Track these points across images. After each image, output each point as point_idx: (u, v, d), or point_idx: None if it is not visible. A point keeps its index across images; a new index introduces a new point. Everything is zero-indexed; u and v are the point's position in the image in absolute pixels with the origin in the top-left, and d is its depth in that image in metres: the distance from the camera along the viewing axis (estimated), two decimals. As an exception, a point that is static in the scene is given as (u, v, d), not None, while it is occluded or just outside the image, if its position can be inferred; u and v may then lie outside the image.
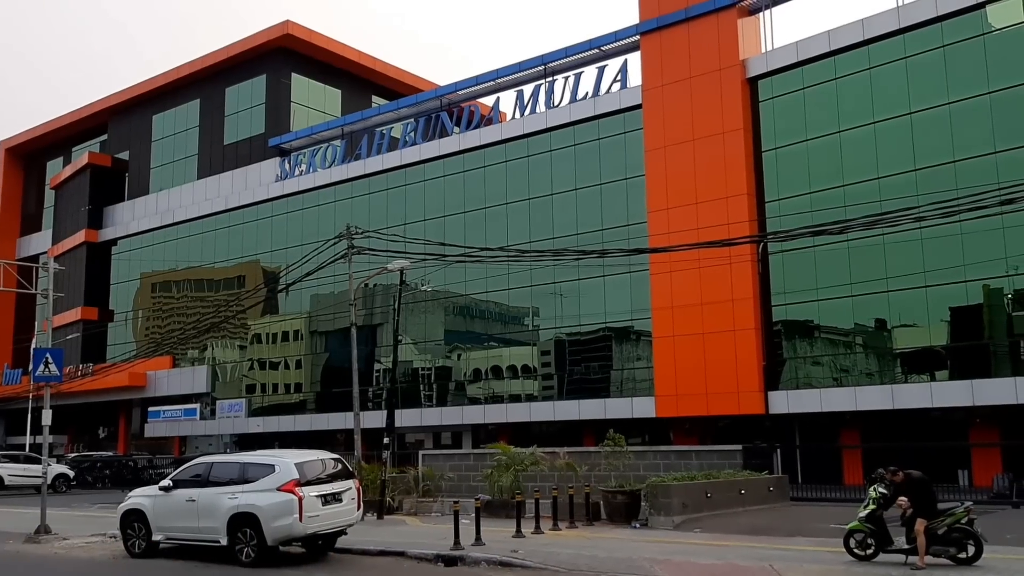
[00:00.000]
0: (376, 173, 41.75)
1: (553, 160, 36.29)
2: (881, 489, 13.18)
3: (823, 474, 26.62)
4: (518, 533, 16.53)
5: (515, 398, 36.47)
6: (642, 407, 32.21)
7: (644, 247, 30.15)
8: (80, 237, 53.59)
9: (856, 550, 13.10)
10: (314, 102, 48.78)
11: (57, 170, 59.49)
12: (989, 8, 27.05)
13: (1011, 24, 26.70)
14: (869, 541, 13.02)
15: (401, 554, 14.98)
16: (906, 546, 12.70)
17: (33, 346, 38.87)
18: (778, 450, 27.60)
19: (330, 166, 43.72)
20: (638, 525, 18.57)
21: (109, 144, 56.65)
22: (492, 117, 40.03)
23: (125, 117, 55.26)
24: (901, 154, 27.95)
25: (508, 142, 37.68)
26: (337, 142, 44.49)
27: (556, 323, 35.77)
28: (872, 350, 29.19)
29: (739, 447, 24.30)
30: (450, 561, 14.27)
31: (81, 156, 56.12)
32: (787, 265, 29.85)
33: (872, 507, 12.98)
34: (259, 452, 18.06)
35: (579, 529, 18.14)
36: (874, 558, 12.91)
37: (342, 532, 15.55)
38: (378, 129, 43.29)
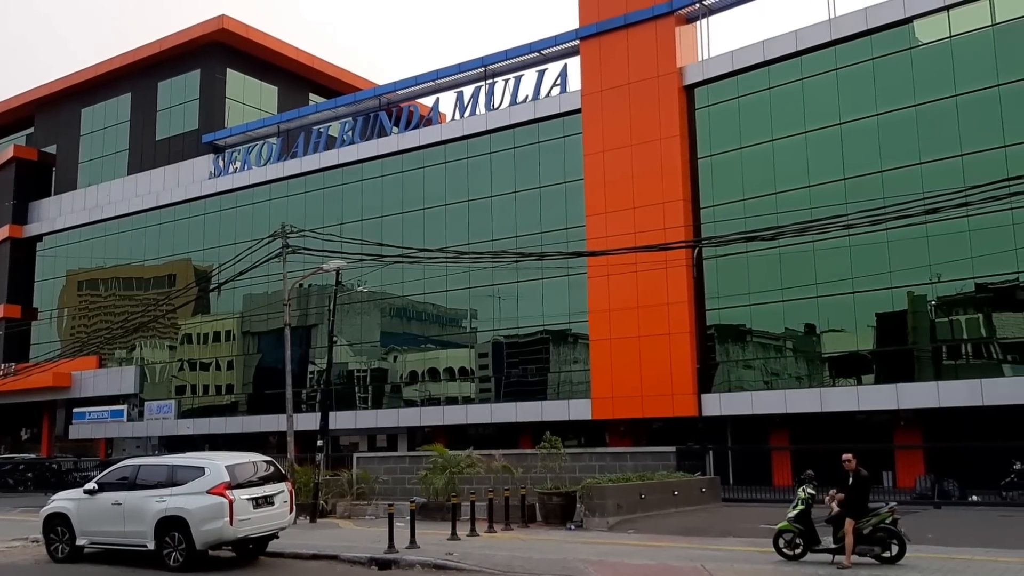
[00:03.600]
0: (313, 172, 41.23)
1: (493, 162, 36.31)
2: (810, 490, 13.48)
3: (754, 475, 27.13)
4: (453, 536, 16.49)
5: (452, 400, 36.37)
6: (579, 409, 32.41)
7: (582, 250, 30.39)
8: (4, 232, 51.71)
9: (785, 550, 13.37)
10: (250, 99, 47.94)
11: (-21, 163, 57.35)
12: (916, 23, 27.92)
13: (937, 39, 27.58)
14: (798, 541, 13.30)
15: (334, 558, 14.82)
16: (833, 545, 13.01)
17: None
18: (710, 452, 28.06)
19: (265, 164, 43.02)
20: (573, 527, 18.68)
21: (36, 138, 54.83)
22: (432, 118, 39.86)
23: (52, 110, 53.53)
24: (831, 163, 28.66)
25: (448, 143, 37.58)
26: (273, 140, 43.83)
27: (494, 325, 35.77)
28: (802, 354, 29.87)
29: (673, 449, 24.67)
30: (384, 564, 14.15)
31: (6, 149, 54.15)
32: (721, 270, 30.36)
33: (801, 508, 13.27)
34: (188, 454, 17.67)
35: (515, 531, 18.16)
36: (802, 557, 13.19)
37: (274, 536, 15.31)
38: (315, 127, 42.77)
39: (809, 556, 13.13)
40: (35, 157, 53.07)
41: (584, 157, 33.54)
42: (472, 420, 35.64)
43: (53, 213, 51.40)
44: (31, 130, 55.57)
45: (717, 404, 29.76)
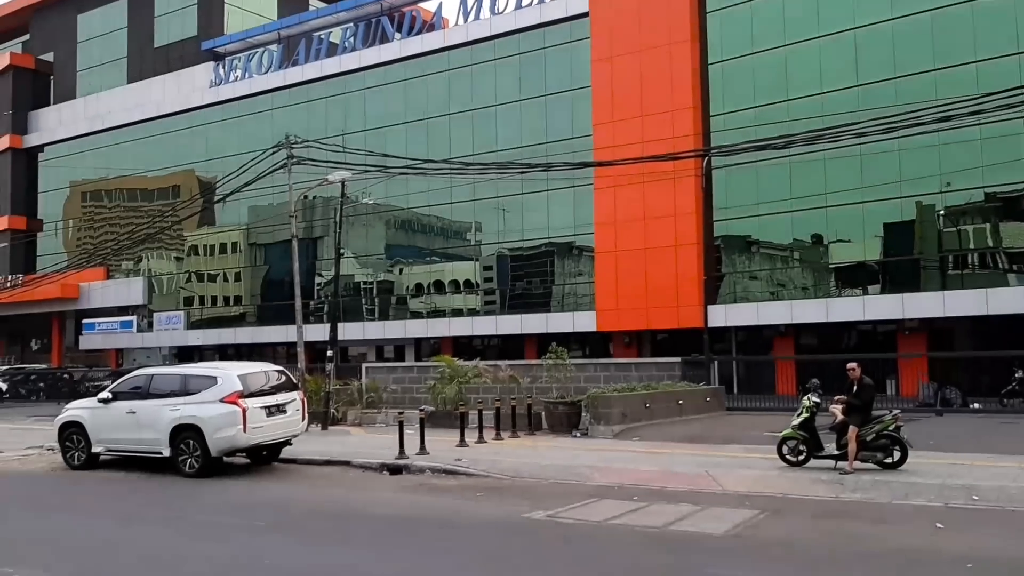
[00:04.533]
0: (314, 80, 40.54)
1: (497, 70, 35.63)
2: (814, 398, 13.62)
3: (758, 385, 27.43)
4: (462, 443, 16.77)
5: (457, 312, 36.57)
6: (583, 321, 32.61)
7: (589, 161, 30.04)
8: (4, 143, 51.25)
9: (788, 456, 13.59)
10: (249, 4, 46.82)
11: (-25, 72, 56.44)
12: (936, -77, 26.94)
13: (957, -60, 26.65)
14: (801, 448, 13.50)
15: (346, 463, 15.11)
16: (836, 452, 13.21)
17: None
18: (715, 362, 28.30)
19: (266, 72, 42.28)
20: (579, 435, 18.98)
21: (32, 45, 53.80)
22: (435, 23, 38.89)
23: (48, 16, 52.35)
24: (845, 70, 28.07)
25: (451, 49, 36.81)
26: (274, 47, 42.95)
27: (499, 238, 35.70)
28: (808, 265, 29.83)
29: (678, 360, 24.89)
30: (395, 470, 14.44)
31: (2, 56, 53.23)
32: (730, 180, 30.08)
33: (805, 415, 13.43)
34: (201, 364, 17.90)
35: (521, 439, 18.48)
36: (806, 463, 13.41)
37: (287, 443, 15.61)
38: (316, 34, 41.84)
39: (812, 462, 13.35)
40: (32, 65, 52.22)
41: (591, 63, 32.86)
42: (478, 332, 35.92)
43: (53, 123, 50.83)
44: (27, 37, 54.49)
45: (723, 315, 29.87)
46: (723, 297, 30.35)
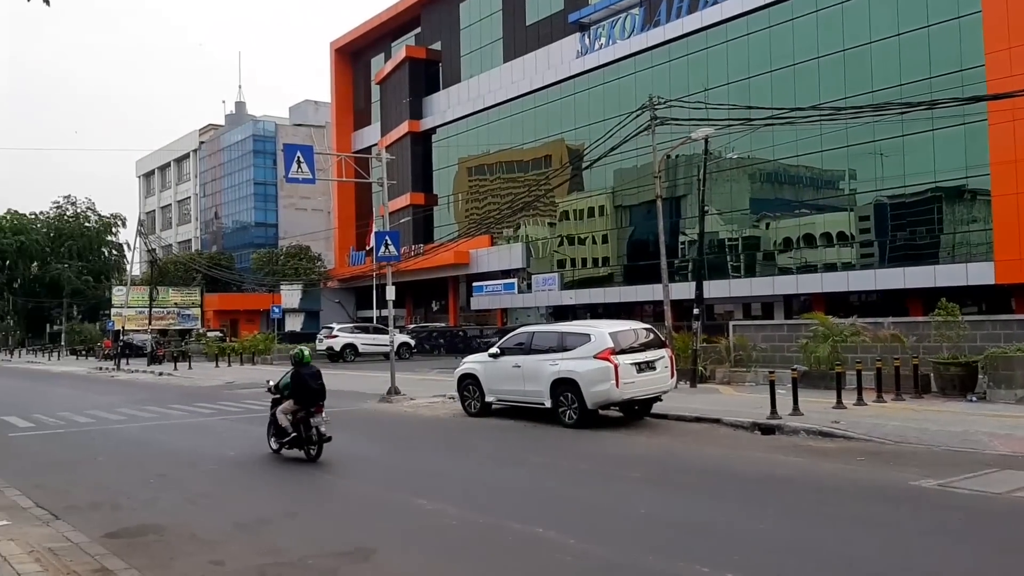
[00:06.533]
0: (676, 39, 40.49)
1: (871, 4, 32.90)
2: None
3: None
4: (839, 404, 16.03)
5: (830, 267, 34.73)
6: (978, 273, 29.29)
7: (981, 94, 26.71)
8: (404, 128, 58.05)
9: None
10: (610, -28, 47.85)
11: (380, 66, 64.32)
12: None
13: None
14: None
15: (716, 421, 15.18)
16: None
17: (373, 230, 43.29)
18: None
19: (629, 36, 43.09)
20: (974, 399, 17.23)
21: (423, 36, 60.03)
22: (800, -36, 36.78)
23: (434, 9, 58.06)
24: None
25: (819, -11, 34.65)
26: (635, 10, 43.51)
27: (876, 185, 33.15)
28: None
29: (1101, 316, 21.46)
30: (767, 430, 14.23)
31: (399, 50, 60.13)
32: None
33: None
34: (575, 323, 18.96)
35: (906, 402, 17.20)
36: None
37: (657, 399, 16.07)
38: (677, -8, 41.70)
39: None
40: (424, 55, 58.32)
41: (984, -16, 29.11)
42: (853, 287, 33.84)
43: (443, 106, 56.46)
44: (418, 30, 60.85)
45: None
46: None
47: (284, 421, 12.66)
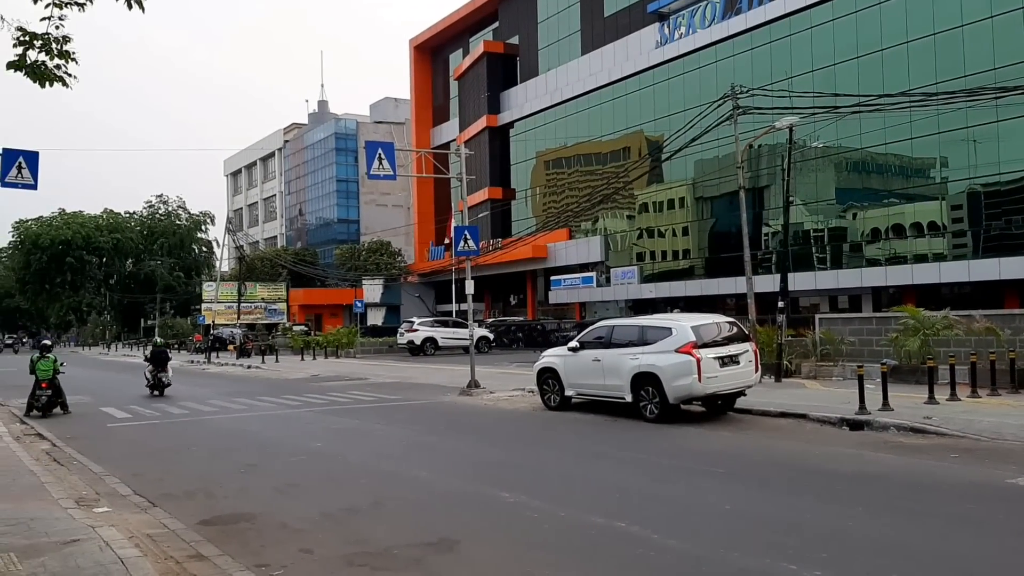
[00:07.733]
0: (758, 26, 39.72)
1: (964, -15, 31.67)
2: None
3: None
4: (931, 399, 15.52)
5: (920, 258, 33.60)
6: (1082, 264, 27.97)
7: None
8: (482, 123, 58.37)
9: None
10: (689, -40, 47.17)
11: (458, 62, 64.81)
12: None
13: None
14: None
15: (803, 416, 14.85)
16: None
17: (452, 225, 43.72)
18: None
19: (710, 25, 42.44)
20: (1077, 395, 16.47)
21: (500, 31, 60.25)
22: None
23: (512, 3, 58.17)
24: None
25: (909, -29, 33.49)
26: (715, -1, 42.88)
27: (969, 173, 31.93)
28: None
29: None
30: (856, 425, 13.86)
31: (477, 46, 60.46)
32: None
33: None
34: (655, 316, 18.78)
35: (1002, 397, 16.55)
36: None
37: (741, 393, 15.81)
38: (758, -21, 40.88)
39: None
40: (501, 50, 58.51)
41: (1088, -40, 27.70)
42: (945, 279, 32.70)
43: (520, 100, 56.55)
44: (496, 25, 61.07)
45: None
46: None
47: None
